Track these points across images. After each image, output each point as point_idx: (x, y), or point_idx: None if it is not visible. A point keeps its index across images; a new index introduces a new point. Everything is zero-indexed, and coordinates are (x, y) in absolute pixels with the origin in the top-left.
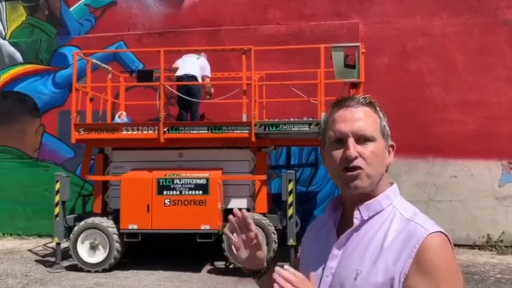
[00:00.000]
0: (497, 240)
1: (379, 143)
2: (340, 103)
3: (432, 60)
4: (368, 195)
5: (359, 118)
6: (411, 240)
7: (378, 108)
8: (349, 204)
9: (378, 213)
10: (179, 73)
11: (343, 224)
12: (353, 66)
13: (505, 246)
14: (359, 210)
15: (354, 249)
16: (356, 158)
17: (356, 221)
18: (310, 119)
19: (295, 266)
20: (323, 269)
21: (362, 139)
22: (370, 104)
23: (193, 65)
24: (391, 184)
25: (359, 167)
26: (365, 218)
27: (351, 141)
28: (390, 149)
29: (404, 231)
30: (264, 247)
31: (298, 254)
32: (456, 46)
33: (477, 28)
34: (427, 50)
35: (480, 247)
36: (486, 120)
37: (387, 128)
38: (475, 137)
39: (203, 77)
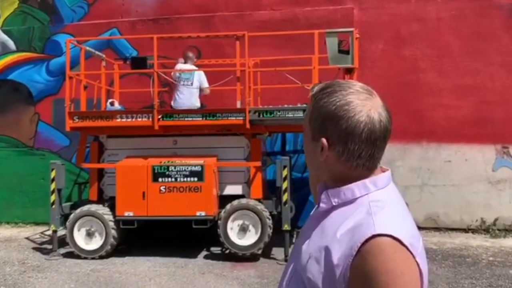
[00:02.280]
0: (491, 224)
1: None
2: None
3: (427, 45)
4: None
5: None
6: (356, 237)
7: None
8: None
9: (350, 202)
10: (178, 105)
11: None
12: (347, 52)
13: (498, 230)
14: (327, 193)
15: (317, 232)
16: None
17: (322, 205)
18: (305, 105)
19: None
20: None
21: None
22: None
23: (192, 95)
24: (384, 171)
25: None
26: (334, 204)
27: None
28: None
29: (358, 224)
30: None
31: None
32: (450, 31)
33: (472, 13)
34: (421, 35)
35: (473, 231)
36: (481, 105)
37: None
38: (469, 122)
39: (202, 89)
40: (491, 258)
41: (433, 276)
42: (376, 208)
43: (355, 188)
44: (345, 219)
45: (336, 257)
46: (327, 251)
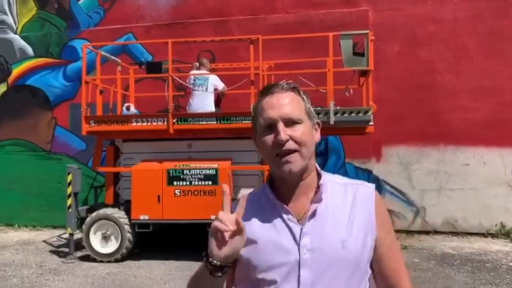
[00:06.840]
0: (511, 229)
1: (306, 124)
2: (266, 90)
3: (443, 46)
4: (301, 174)
5: (285, 103)
6: (368, 199)
7: (301, 92)
8: (284, 182)
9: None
10: (193, 111)
11: (284, 201)
12: (362, 54)
13: None
14: (321, 187)
15: (323, 222)
16: (287, 141)
17: (324, 197)
18: (319, 108)
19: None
20: (297, 247)
21: (290, 123)
22: (293, 89)
23: (207, 100)
24: None
25: (291, 150)
26: (328, 193)
27: (280, 126)
28: (316, 126)
29: (356, 193)
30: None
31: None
32: (467, 31)
33: (489, 13)
34: (438, 36)
35: (493, 236)
36: (499, 107)
37: (311, 109)
38: (488, 124)
39: (220, 91)
40: (511, 264)
41: (451, 281)
42: (339, 178)
43: (325, 175)
44: (339, 198)
45: (363, 225)
46: (354, 227)
